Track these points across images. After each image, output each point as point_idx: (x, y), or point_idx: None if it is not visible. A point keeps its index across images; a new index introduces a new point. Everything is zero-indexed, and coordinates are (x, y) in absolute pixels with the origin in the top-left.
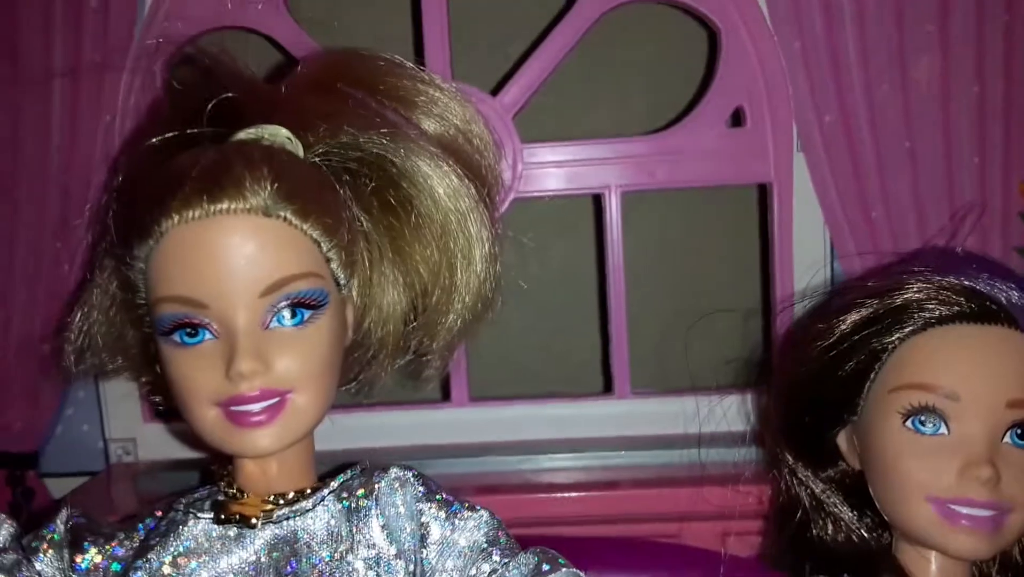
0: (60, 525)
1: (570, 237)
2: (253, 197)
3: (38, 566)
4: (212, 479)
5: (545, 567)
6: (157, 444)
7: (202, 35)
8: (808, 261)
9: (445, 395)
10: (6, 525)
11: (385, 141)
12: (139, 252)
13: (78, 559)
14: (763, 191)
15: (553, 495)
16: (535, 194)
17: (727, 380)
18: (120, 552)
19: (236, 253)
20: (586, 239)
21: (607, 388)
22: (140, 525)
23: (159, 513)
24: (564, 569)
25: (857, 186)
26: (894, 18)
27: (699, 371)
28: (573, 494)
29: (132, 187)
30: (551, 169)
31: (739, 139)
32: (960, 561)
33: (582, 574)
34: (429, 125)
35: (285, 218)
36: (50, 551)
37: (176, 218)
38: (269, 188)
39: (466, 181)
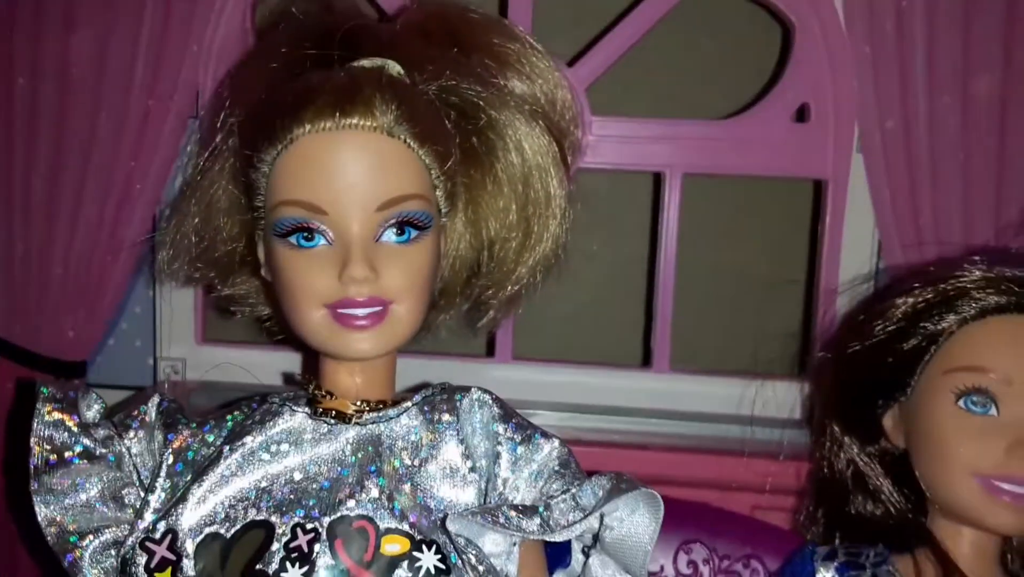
0: (152, 407)
1: (624, 213)
2: (381, 116)
3: (127, 443)
4: (299, 385)
5: (623, 485)
6: (206, 367)
7: None
8: (855, 260)
9: (489, 351)
10: (97, 402)
11: (482, 91)
12: (266, 156)
13: (171, 440)
14: (818, 187)
15: (588, 449)
16: (599, 166)
17: (765, 367)
18: (211, 438)
19: (359, 166)
20: (640, 218)
21: (646, 363)
22: (229, 417)
23: (247, 409)
24: (643, 488)
25: (910, 191)
26: (961, 34)
27: (739, 355)
28: (605, 450)
29: (261, 97)
30: (617, 143)
31: (802, 134)
32: (993, 538)
33: (659, 496)
34: (518, 84)
35: (405, 140)
36: (141, 431)
37: (308, 127)
38: (395, 110)
39: (550, 140)
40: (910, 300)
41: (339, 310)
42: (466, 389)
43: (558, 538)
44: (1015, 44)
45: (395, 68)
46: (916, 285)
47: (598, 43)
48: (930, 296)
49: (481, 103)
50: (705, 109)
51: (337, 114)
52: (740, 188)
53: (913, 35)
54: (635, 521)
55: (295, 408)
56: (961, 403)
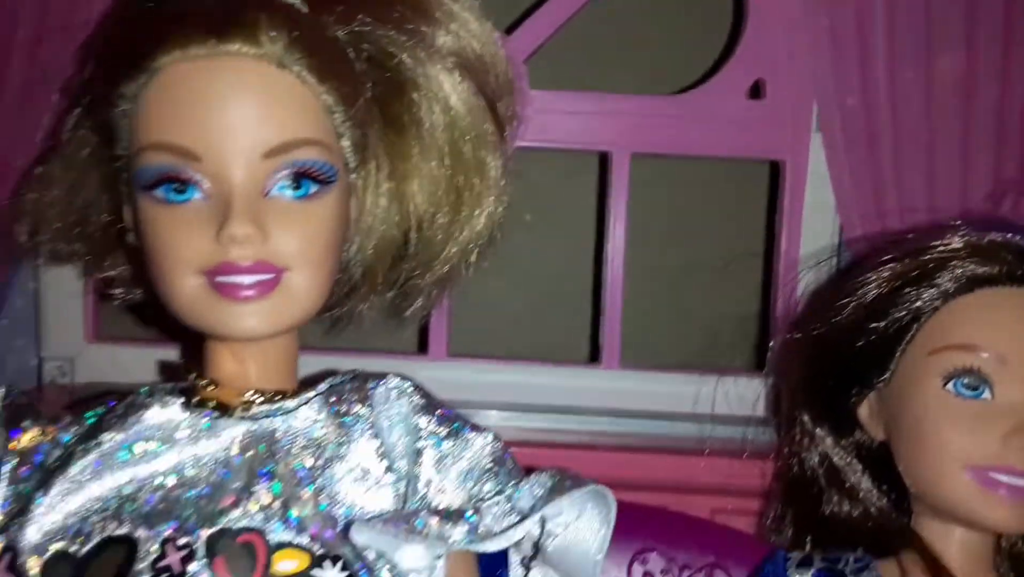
0: None
1: (568, 197)
2: (269, 43)
3: None
4: (178, 375)
5: (567, 483)
6: (98, 367)
7: None
8: (815, 245)
9: (422, 348)
10: None
11: (402, 39)
12: (126, 90)
13: (14, 438)
14: (775, 169)
15: (533, 450)
16: (540, 145)
17: (724, 360)
18: (66, 438)
19: (241, 103)
20: (585, 202)
21: (594, 359)
22: (88, 412)
23: (113, 403)
24: (591, 485)
25: (872, 173)
26: (924, 9)
27: (696, 349)
28: (551, 451)
29: (121, 23)
30: (559, 120)
31: (756, 112)
32: (986, 538)
33: (609, 493)
34: (444, 39)
35: (299, 74)
36: None
37: (176, 53)
38: (287, 37)
39: (482, 101)
40: (885, 274)
41: (218, 278)
42: (381, 376)
43: (490, 548)
44: (979, 16)
45: (296, 3)
46: (890, 257)
47: (538, 10)
48: (908, 268)
49: (401, 54)
50: (654, 86)
51: (213, 39)
52: (692, 169)
53: (874, 7)
54: (581, 526)
55: (168, 399)
56: (950, 386)
